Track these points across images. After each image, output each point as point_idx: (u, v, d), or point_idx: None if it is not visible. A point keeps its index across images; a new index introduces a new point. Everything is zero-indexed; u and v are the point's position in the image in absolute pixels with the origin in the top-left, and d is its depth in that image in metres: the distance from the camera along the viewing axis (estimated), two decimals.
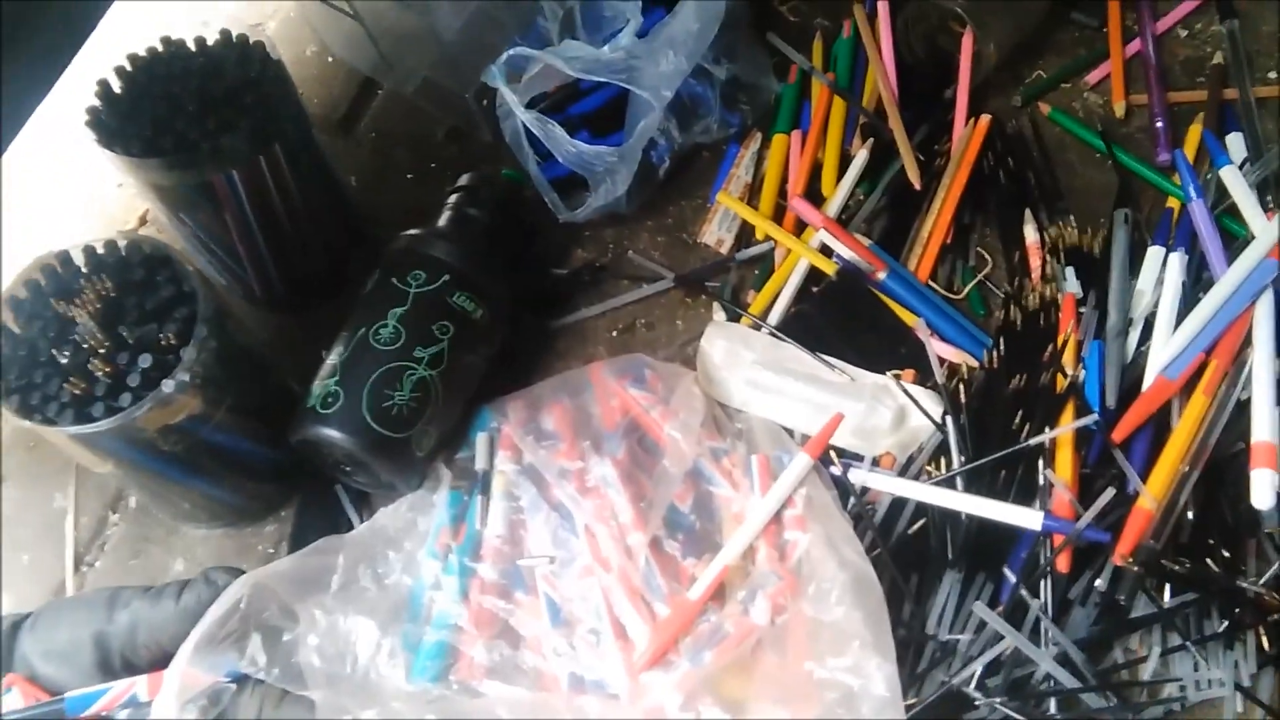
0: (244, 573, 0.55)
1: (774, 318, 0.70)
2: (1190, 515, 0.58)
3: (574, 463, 0.64)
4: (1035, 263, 0.68)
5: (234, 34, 0.64)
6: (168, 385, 0.54)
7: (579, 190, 0.74)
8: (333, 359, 0.63)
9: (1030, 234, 0.70)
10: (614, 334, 0.73)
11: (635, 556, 0.60)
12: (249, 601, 0.54)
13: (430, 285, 0.63)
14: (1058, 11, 0.79)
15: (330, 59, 0.86)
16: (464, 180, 0.71)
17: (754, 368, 0.67)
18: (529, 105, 0.73)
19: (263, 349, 0.66)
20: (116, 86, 0.63)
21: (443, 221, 0.69)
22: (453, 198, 0.70)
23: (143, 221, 0.81)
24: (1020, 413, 0.61)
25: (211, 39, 0.64)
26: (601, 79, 0.69)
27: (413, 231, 0.66)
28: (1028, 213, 0.70)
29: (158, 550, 0.69)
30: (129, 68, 0.63)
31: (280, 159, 0.63)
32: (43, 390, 0.55)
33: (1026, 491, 0.60)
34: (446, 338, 0.63)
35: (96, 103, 0.62)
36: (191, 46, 0.64)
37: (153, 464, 0.59)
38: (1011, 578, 0.57)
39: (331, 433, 0.60)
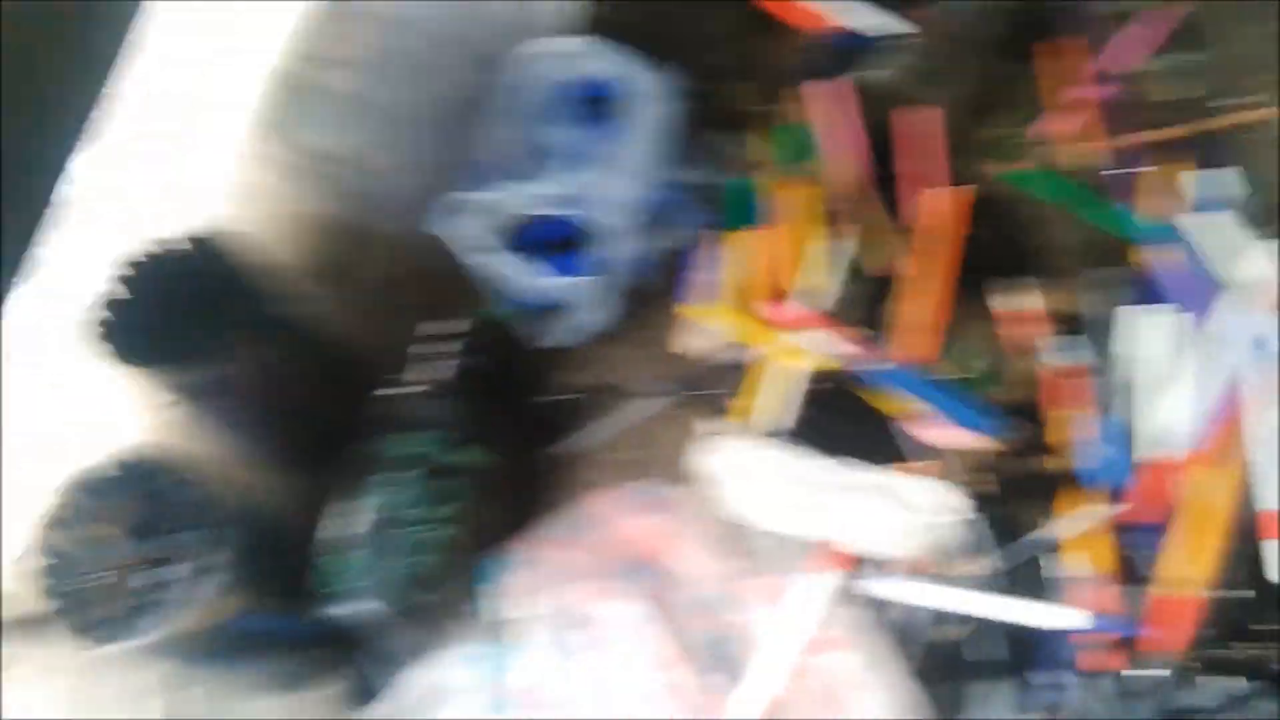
0: None
1: (776, 423, 0.68)
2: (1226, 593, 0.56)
3: (594, 603, 0.63)
4: (1028, 332, 0.67)
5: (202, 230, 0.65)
6: (205, 589, 0.56)
7: (558, 315, 0.73)
8: (353, 529, 0.63)
9: (1023, 302, 0.68)
10: (614, 456, 0.72)
11: (674, 694, 0.59)
12: None
13: (440, 443, 0.64)
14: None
15: (295, 212, 0.85)
16: (454, 329, 0.71)
17: (764, 479, 0.65)
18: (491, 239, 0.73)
19: (290, 524, 0.66)
20: (119, 296, 0.63)
21: (442, 375, 0.69)
22: (445, 347, 0.70)
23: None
24: (1037, 497, 0.60)
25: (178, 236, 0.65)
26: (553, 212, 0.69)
27: (414, 389, 0.68)
28: (1020, 281, 0.69)
29: None
30: (130, 274, 0.64)
31: (276, 334, 0.65)
32: (90, 612, 0.56)
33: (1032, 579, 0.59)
34: (464, 493, 0.63)
35: (104, 315, 0.63)
36: (173, 247, 0.64)
37: (205, 665, 0.63)
38: (1069, 683, 0.55)
39: (360, 605, 0.61)
